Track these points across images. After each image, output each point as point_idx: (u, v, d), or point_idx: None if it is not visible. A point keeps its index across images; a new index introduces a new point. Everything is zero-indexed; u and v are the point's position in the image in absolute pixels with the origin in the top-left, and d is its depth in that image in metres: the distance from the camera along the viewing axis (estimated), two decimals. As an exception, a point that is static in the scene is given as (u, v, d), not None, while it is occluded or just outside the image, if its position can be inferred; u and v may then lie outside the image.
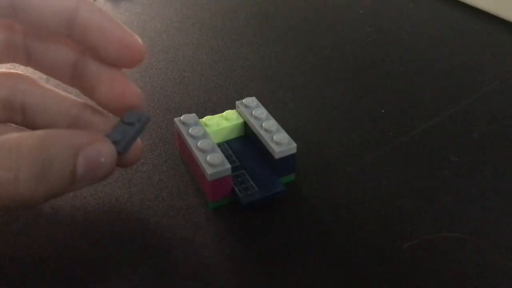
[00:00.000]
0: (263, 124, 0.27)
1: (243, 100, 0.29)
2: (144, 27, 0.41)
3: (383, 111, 0.32)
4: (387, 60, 0.37)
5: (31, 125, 0.25)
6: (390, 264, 0.23)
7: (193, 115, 0.28)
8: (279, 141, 0.26)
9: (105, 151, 0.21)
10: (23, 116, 0.25)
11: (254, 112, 0.28)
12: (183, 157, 0.28)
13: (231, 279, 0.23)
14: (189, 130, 0.27)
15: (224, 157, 0.25)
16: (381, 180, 0.27)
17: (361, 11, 0.43)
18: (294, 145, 0.26)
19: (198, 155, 0.25)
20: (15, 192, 0.19)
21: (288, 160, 0.26)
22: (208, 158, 0.25)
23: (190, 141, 0.26)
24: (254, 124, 0.27)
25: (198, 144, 0.26)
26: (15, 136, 0.20)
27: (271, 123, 0.27)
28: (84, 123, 0.25)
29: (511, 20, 0.40)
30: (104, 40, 0.23)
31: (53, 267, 0.23)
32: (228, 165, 0.25)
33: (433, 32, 0.40)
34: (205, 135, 0.26)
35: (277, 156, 0.26)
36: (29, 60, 0.25)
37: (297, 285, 0.22)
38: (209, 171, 0.24)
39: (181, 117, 0.27)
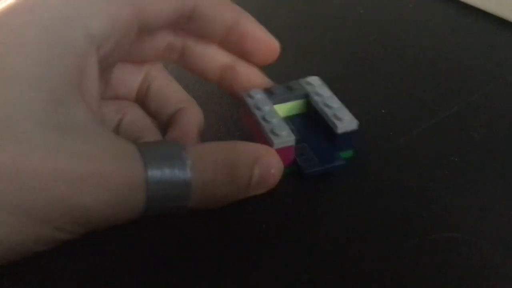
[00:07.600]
0: (326, 101, 0.28)
1: (307, 79, 0.30)
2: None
3: (383, 111, 0.32)
4: (387, 60, 0.37)
5: (187, 66, 0.29)
6: (390, 264, 0.23)
7: (259, 89, 0.29)
8: (342, 117, 0.27)
9: (275, 162, 0.24)
10: (179, 56, 0.29)
11: (318, 89, 0.29)
12: (250, 130, 0.29)
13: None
14: (256, 104, 0.28)
15: (288, 128, 0.26)
16: (381, 180, 0.27)
17: (361, 11, 0.43)
18: (355, 122, 0.27)
19: (265, 125, 0.27)
20: (212, 192, 0.22)
21: (350, 136, 0.27)
22: (273, 128, 0.26)
23: (257, 113, 0.28)
24: (317, 101, 0.29)
25: (265, 116, 0.27)
26: (208, 145, 0.23)
27: (334, 101, 0.28)
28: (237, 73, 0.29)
29: (511, 20, 0.40)
30: (256, 47, 0.28)
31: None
32: (292, 136, 0.26)
33: (433, 32, 0.40)
34: (271, 108, 0.28)
35: (339, 131, 0.27)
36: (181, 59, 0.29)
37: (294, 281, 0.22)
38: (275, 140, 0.26)
39: (249, 92, 0.29)
